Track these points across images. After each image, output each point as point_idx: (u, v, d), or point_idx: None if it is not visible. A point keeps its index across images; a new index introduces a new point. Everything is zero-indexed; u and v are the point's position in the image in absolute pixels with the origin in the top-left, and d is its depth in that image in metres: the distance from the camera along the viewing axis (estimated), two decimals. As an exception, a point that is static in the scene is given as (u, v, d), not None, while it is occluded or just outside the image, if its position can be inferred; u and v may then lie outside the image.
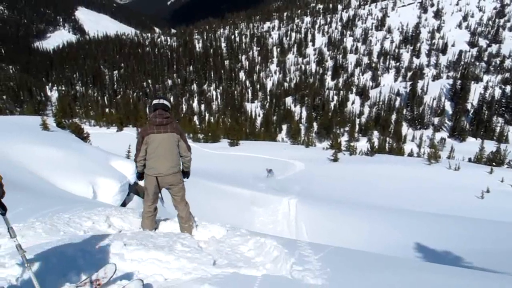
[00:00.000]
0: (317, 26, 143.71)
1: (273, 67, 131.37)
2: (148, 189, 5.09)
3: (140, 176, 5.29)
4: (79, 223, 5.17)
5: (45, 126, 19.03)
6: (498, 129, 69.10)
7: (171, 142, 4.94)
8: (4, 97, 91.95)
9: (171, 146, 4.94)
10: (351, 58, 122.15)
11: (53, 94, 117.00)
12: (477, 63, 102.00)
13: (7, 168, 12.30)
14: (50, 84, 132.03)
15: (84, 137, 22.75)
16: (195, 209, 5.55)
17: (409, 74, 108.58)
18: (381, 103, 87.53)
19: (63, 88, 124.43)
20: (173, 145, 4.96)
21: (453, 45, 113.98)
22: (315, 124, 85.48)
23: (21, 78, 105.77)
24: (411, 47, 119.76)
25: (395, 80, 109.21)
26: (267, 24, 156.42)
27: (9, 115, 61.22)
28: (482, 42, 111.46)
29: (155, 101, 5.03)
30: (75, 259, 3.67)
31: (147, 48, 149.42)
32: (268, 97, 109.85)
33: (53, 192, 8.13)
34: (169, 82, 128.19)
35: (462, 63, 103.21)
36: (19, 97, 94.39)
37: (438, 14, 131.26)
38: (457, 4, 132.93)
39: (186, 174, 5.38)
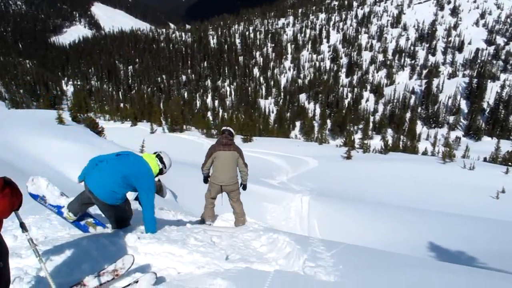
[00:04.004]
0: (332, 23, 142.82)
1: (287, 63, 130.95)
2: (212, 191, 6.42)
3: (205, 179, 6.64)
4: (95, 215, 5.22)
5: (60, 120, 19.27)
6: (514, 128, 68.17)
7: (232, 159, 6.25)
8: (21, 91, 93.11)
9: (232, 162, 6.25)
10: (366, 56, 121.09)
11: (69, 89, 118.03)
12: (494, 62, 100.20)
13: (23, 160, 12.46)
14: (66, 78, 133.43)
15: (98, 132, 23.00)
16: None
17: (425, 72, 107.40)
18: (395, 101, 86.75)
19: (79, 83, 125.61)
20: (234, 161, 6.27)
21: (469, 43, 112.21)
22: (328, 121, 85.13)
23: (37, 73, 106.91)
24: (427, 45, 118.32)
25: (410, 78, 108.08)
26: (282, 20, 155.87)
27: (25, 108, 62.05)
28: (500, 40, 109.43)
29: (224, 128, 6.54)
30: (89, 251, 3.71)
31: (162, 44, 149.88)
32: (282, 94, 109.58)
33: (68, 185, 8.21)
34: (184, 77, 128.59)
35: (479, 61, 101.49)
36: (36, 91, 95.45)
37: (454, 12, 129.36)
38: (474, 2, 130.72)
39: (244, 187, 6.74)
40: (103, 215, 4.75)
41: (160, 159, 4.69)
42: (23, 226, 2.66)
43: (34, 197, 4.70)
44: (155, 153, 4.77)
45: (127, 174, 4.27)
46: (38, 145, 14.61)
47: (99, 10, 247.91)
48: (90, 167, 4.38)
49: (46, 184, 4.83)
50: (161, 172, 4.72)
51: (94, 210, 5.21)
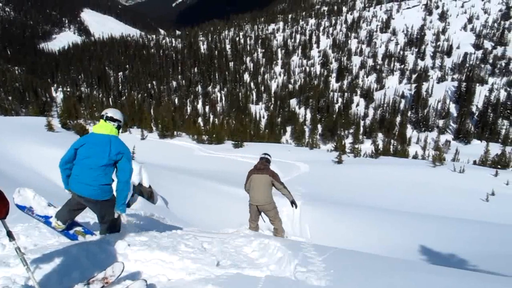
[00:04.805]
0: (321, 28, 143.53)
1: (278, 69, 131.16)
2: (251, 213, 7.31)
3: None
4: (83, 224, 5.18)
5: (50, 127, 19.12)
6: (503, 131, 68.80)
7: (265, 181, 7.04)
8: (10, 98, 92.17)
9: (265, 184, 7.04)
10: (356, 60, 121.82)
11: (58, 95, 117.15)
12: (482, 66, 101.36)
13: (13, 168, 12.35)
14: (55, 85, 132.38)
15: (88, 138, 22.81)
16: (204, 212, 5.57)
17: (414, 76, 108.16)
18: (385, 105, 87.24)
19: (68, 89, 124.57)
20: (267, 183, 7.06)
21: (458, 47, 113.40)
22: (319, 126, 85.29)
23: (26, 79, 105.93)
24: (416, 49, 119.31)
25: (400, 82, 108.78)
26: (272, 26, 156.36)
27: (14, 115, 61.55)
28: (487, 44, 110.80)
29: (261, 155, 7.53)
30: (79, 258, 3.68)
31: (152, 50, 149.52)
32: (273, 99, 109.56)
33: (58, 193, 8.14)
34: (174, 83, 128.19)
35: (467, 65, 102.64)
36: (25, 98, 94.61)
37: (443, 16, 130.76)
38: (462, 6, 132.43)
39: (293, 203, 7.44)
40: (91, 223, 4.72)
41: (111, 119, 4.47)
42: (10, 235, 2.63)
43: (21, 208, 4.68)
44: (101, 117, 4.53)
45: (104, 162, 4.23)
46: (27, 152, 14.49)
47: (88, 16, 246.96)
48: (65, 172, 4.40)
49: (33, 195, 4.82)
50: (119, 127, 4.56)
51: (82, 218, 5.18)
